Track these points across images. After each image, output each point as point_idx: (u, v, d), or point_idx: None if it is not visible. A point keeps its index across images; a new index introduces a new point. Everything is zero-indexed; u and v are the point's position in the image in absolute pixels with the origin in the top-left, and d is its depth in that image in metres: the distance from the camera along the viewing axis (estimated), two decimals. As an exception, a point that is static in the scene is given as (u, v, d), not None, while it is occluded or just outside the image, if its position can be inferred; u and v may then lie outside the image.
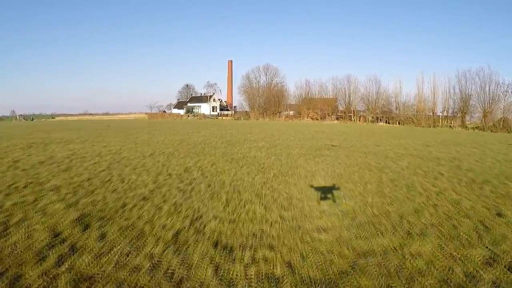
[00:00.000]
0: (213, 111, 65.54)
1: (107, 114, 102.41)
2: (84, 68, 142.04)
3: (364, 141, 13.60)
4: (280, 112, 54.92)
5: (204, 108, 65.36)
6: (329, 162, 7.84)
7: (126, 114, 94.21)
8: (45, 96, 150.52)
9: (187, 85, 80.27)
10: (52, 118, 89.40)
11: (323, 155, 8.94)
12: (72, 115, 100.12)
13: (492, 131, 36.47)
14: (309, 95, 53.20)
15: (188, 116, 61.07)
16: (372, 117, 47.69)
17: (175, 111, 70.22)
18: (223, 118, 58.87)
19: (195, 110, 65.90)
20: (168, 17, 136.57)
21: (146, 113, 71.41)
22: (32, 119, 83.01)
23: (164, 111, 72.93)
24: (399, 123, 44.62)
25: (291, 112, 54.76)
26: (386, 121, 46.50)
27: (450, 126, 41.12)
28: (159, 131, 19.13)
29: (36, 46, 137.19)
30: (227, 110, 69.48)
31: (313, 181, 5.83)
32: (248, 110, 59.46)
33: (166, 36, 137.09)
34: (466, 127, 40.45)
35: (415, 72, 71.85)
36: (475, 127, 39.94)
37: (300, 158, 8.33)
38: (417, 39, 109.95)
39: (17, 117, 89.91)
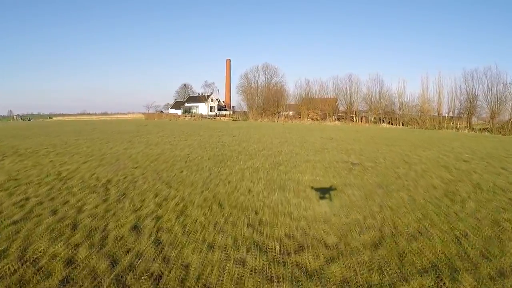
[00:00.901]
0: (211, 111, 62.65)
1: (105, 114, 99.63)
2: (84, 68, 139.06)
3: (387, 154, 10.81)
4: (279, 113, 52.11)
5: (202, 108, 62.45)
6: (362, 204, 5.05)
7: (125, 114, 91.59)
8: (46, 96, 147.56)
9: (184, 85, 77.14)
10: (50, 118, 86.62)
11: (347, 185, 6.16)
12: (70, 115, 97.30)
13: (500, 133, 34.02)
14: (309, 95, 50.35)
15: (186, 116, 58.19)
16: (375, 118, 44.94)
17: (172, 111, 67.28)
18: (221, 118, 56.05)
19: (192, 110, 62.98)
20: (167, 17, 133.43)
21: (143, 113, 68.50)
22: (29, 119, 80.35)
23: (161, 111, 69.98)
24: (402, 124, 41.95)
25: (291, 113, 51.96)
26: (389, 121, 43.80)
27: (456, 128, 38.53)
28: (143, 137, 16.29)
29: (35, 46, 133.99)
30: (225, 110, 66.60)
31: (354, 266, 3.07)
32: (246, 111, 56.68)
33: (165, 35, 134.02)
34: (473, 128, 37.87)
35: (418, 73, 68.84)
36: (483, 129, 37.40)
37: (316, 195, 5.55)
38: (421, 38, 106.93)
39: (15, 117, 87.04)
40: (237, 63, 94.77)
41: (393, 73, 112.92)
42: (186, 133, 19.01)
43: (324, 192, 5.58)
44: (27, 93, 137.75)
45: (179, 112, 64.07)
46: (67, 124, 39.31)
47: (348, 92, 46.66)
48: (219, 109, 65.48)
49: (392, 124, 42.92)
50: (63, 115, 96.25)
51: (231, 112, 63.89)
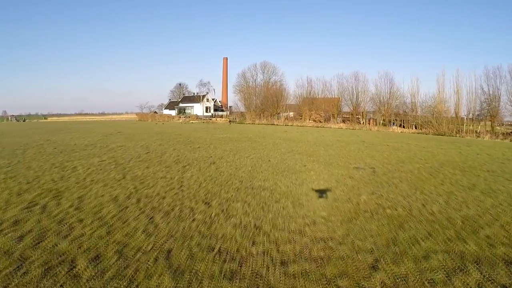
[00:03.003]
0: (206, 111, 55.95)
1: (103, 114, 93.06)
2: (82, 68, 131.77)
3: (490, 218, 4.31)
4: (278, 114, 45.55)
5: (197, 109, 55.74)
6: None
7: (121, 114, 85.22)
8: (44, 96, 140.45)
9: (179, 84, 70.08)
10: (45, 118, 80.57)
11: None
12: (67, 115, 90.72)
13: (527, 138, 27.62)
14: (311, 94, 43.70)
15: (180, 117, 51.53)
16: (384, 120, 38.45)
17: (167, 111, 60.57)
18: (217, 119, 49.42)
19: (187, 111, 56.28)
20: (164, 16, 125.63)
21: (136, 114, 61.88)
22: (24, 120, 74.49)
23: (155, 112, 63.29)
24: (415, 127, 35.49)
25: (291, 113, 45.40)
26: (400, 124, 37.37)
27: (476, 132, 32.05)
28: (72, 164, 9.73)
29: (34, 46, 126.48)
30: (222, 110, 59.91)
31: None
32: (244, 111, 50.05)
33: (162, 34, 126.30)
34: (496, 133, 31.44)
35: (428, 72, 60.41)
36: (507, 133, 31.05)
37: None
38: (432, 36, 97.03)
39: (9, 117, 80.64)
40: (235, 61, 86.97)
41: (403, 73, 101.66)
42: (145, 152, 12.41)
43: None
44: (25, 93, 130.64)
45: (173, 112, 57.39)
46: (47, 128, 32.59)
47: (355, 91, 40.10)
48: (215, 110, 58.80)
49: (403, 127, 36.48)
50: (59, 115, 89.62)
51: (228, 112, 57.22)
